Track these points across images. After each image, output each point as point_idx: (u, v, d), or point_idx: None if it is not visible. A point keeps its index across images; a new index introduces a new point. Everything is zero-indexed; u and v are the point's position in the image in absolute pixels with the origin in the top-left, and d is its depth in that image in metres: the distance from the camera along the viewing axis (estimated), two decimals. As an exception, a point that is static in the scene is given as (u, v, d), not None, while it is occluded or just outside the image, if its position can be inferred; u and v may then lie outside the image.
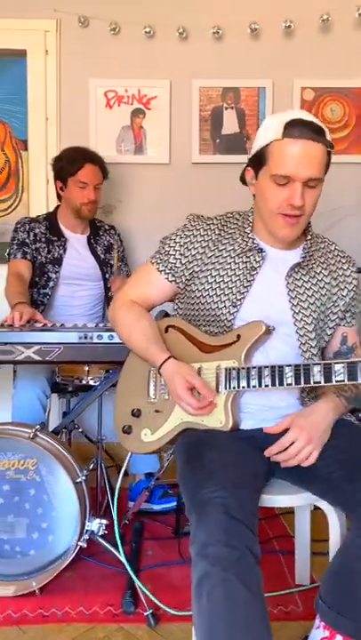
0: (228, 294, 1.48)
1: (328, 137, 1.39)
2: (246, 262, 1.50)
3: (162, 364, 1.46)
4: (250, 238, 1.51)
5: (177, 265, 1.54)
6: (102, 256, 2.54)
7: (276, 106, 2.87)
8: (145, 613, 1.66)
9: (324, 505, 1.44)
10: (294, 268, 1.50)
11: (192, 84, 2.87)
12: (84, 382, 2.08)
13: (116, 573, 1.87)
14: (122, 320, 1.58)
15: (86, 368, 2.03)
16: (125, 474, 2.62)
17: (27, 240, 2.39)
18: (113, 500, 1.71)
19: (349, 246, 2.54)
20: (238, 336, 1.44)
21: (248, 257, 1.50)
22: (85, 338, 1.69)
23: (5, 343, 1.67)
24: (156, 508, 2.30)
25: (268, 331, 1.43)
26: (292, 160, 1.35)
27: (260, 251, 1.50)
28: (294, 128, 1.34)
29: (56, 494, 1.79)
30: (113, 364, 1.80)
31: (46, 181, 2.91)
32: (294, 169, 1.35)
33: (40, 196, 2.91)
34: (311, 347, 1.48)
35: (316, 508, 1.48)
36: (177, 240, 1.55)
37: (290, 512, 2.22)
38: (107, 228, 2.64)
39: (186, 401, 1.40)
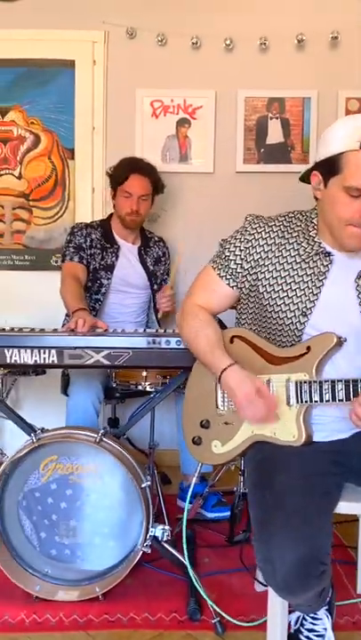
0: (296, 303, 1.44)
1: None
2: (313, 267, 1.45)
3: (225, 370, 1.43)
4: (315, 242, 1.46)
5: (238, 270, 1.51)
6: (151, 267, 2.56)
7: (321, 116, 2.89)
8: (212, 621, 1.65)
9: None
10: None
11: (237, 93, 2.90)
12: (140, 388, 2.08)
13: (175, 580, 1.86)
14: (187, 327, 1.56)
15: (144, 374, 2.03)
16: (168, 480, 2.68)
17: (83, 245, 2.42)
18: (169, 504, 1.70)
19: None
20: (308, 348, 1.40)
21: (315, 261, 1.45)
22: (154, 343, 1.69)
23: (76, 347, 1.68)
24: (209, 515, 2.29)
25: (340, 342, 1.39)
26: None
27: (328, 254, 1.45)
28: None
29: (119, 499, 1.79)
30: (178, 369, 1.80)
31: (92, 190, 2.95)
32: None
33: (86, 204, 2.95)
34: None
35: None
36: (237, 244, 1.51)
37: (342, 522, 2.21)
38: (156, 239, 2.66)
39: (256, 405, 1.38)
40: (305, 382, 1.39)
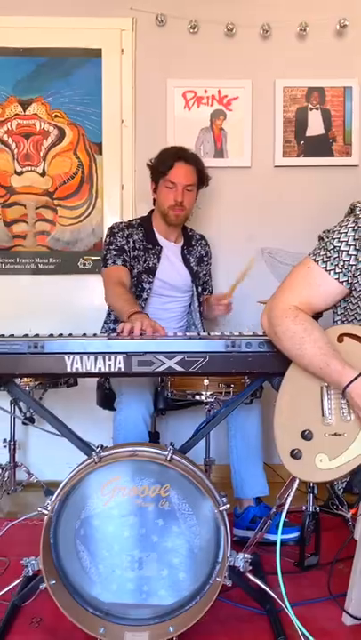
0: None
1: None
2: None
3: (351, 383, 1.26)
4: None
5: (350, 262, 1.35)
6: (195, 268, 2.37)
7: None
8: None
9: None
10: None
11: (275, 83, 2.74)
12: (197, 398, 1.88)
13: (254, 615, 1.65)
14: (287, 332, 1.38)
15: (206, 382, 1.83)
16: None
17: (125, 246, 2.21)
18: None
19: None
20: None
21: None
22: (233, 346, 1.49)
23: (145, 352, 1.47)
24: (274, 538, 2.07)
25: None
26: None
27: None
28: None
29: (189, 525, 1.57)
30: (262, 375, 1.60)
31: (121, 187, 2.76)
32: None
33: (115, 202, 2.76)
34: None
35: None
36: (349, 233, 1.36)
37: None
38: (198, 237, 2.47)
39: None
40: None
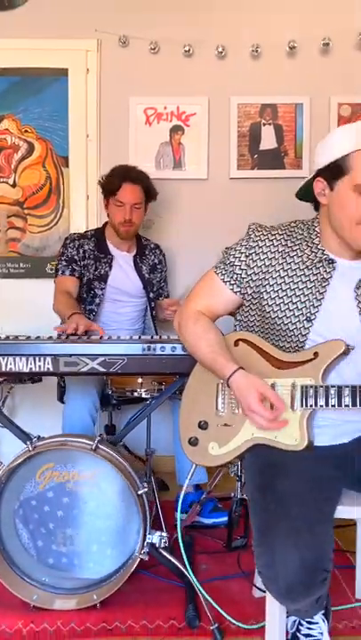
0: (301, 308, 1.46)
1: None
2: (317, 274, 1.48)
3: (231, 376, 1.45)
4: (319, 249, 1.49)
5: (242, 276, 1.54)
6: (147, 275, 2.56)
7: (314, 122, 2.91)
8: (211, 627, 1.64)
9: None
10: None
11: (230, 100, 2.92)
12: (136, 395, 2.08)
13: (174, 587, 1.86)
14: (188, 332, 1.58)
15: (140, 380, 2.03)
16: (165, 487, 2.68)
17: (75, 257, 2.41)
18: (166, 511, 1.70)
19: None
20: (316, 354, 1.42)
21: (318, 268, 1.48)
22: (149, 349, 1.69)
23: (71, 355, 1.68)
24: (207, 521, 2.28)
25: (348, 350, 1.41)
26: None
27: (331, 262, 1.48)
28: None
29: (116, 506, 1.78)
30: (174, 375, 1.80)
31: (86, 197, 2.95)
32: None
33: (80, 212, 2.96)
34: None
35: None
36: (242, 250, 1.54)
37: (340, 526, 2.20)
38: (152, 246, 2.66)
39: (260, 413, 1.39)
40: (311, 387, 1.40)
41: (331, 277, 1.47)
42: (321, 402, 1.38)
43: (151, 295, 2.58)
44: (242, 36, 2.86)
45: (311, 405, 1.39)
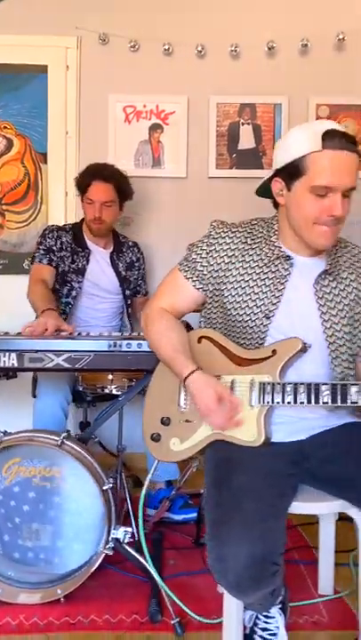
0: (260, 305, 1.48)
1: (358, 145, 1.40)
2: (275, 271, 1.49)
3: (188, 376, 1.45)
4: (276, 247, 1.50)
5: (204, 272, 1.54)
6: (124, 273, 2.57)
7: (292, 122, 2.92)
8: (172, 622, 1.66)
9: (354, 512, 1.44)
10: (321, 275, 1.49)
11: (209, 99, 2.93)
12: (106, 391, 2.10)
13: (139, 582, 1.87)
14: (151, 329, 1.59)
15: (110, 377, 2.04)
16: (140, 483, 2.69)
17: (53, 247, 2.42)
18: (137, 507, 1.72)
19: None
20: (274, 351, 1.44)
21: (276, 265, 1.49)
22: (115, 346, 1.70)
23: (36, 351, 1.69)
24: (177, 518, 2.30)
25: (305, 348, 1.43)
26: (334, 171, 1.35)
27: (288, 258, 1.49)
28: (333, 139, 1.35)
29: (82, 502, 1.80)
30: (141, 372, 1.81)
31: (65, 194, 2.96)
32: (336, 180, 1.35)
33: (59, 208, 2.96)
34: (341, 353, 1.49)
35: (339, 519, 1.48)
36: (203, 247, 1.55)
37: (307, 523, 2.23)
38: (130, 244, 2.66)
39: (218, 413, 1.40)
40: (268, 384, 1.42)
41: (289, 274, 1.49)
42: (278, 399, 1.39)
43: (127, 293, 2.59)
44: (221, 36, 2.88)
45: (268, 402, 1.41)
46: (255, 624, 1.57)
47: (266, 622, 1.56)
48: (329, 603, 1.81)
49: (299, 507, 1.40)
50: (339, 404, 1.35)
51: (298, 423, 1.48)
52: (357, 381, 1.37)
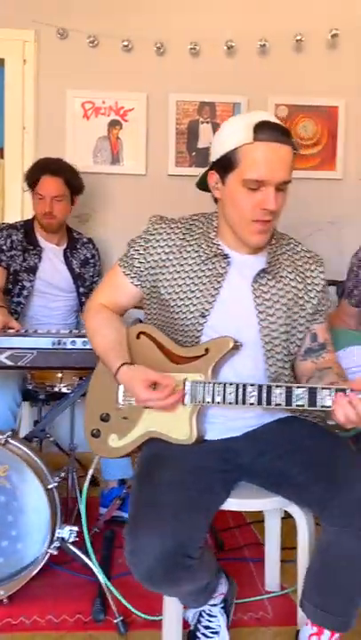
0: (195, 304, 1.46)
1: (292, 138, 1.39)
2: (212, 269, 1.47)
3: (117, 371, 1.44)
4: (214, 244, 1.47)
5: (141, 269, 1.51)
6: (77, 270, 2.54)
7: None
8: (115, 620, 1.65)
9: (293, 508, 1.46)
10: (260, 273, 1.47)
11: (169, 97, 2.93)
12: (56, 389, 2.07)
13: (87, 582, 1.86)
14: (88, 326, 1.57)
15: (59, 375, 2.02)
16: (97, 483, 2.67)
17: (3, 247, 2.38)
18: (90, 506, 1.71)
19: (320, 259, 2.59)
20: (207, 350, 1.42)
21: (213, 263, 1.47)
22: (59, 344, 1.69)
23: (-22, 348, 1.66)
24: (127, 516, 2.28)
25: (237, 347, 1.42)
26: (266, 164, 1.32)
27: (225, 257, 1.46)
28: (264, 130, 1.32)
29: (26, 501, 1.77)
30: (86, 370, 1.79)
31: (22, 190, 2.90)
32: (268, 173, 1.32)
33: (15, 204, 2.93)
34: (276, 353, 1.48)
35: (286, 517, 1.50)
36: (141, 243, 1.52)
37: (260, 521, 2.24)
38: (85, 241, 2.63)
39: (150, 398, 1.37)
40: (200, 383, 1.41)
41: (226, 273, 1.47)
42: (208, 398, 1.38)
43: (82, 290, 2.56)
44: (181, 34, 2.88)
45: (199, 401, 1.40)
46: (199, 621, 1.58)
47: (209, 621, 1.56)
48: (275, 599, 1.83)
49: (233, 503, 1.41)
50: (264, 406, 1.33)
51: (233, 422, 1.48)
52: (283, 383, 1.35)
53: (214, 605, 1.57)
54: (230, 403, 1.36)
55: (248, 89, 2.94)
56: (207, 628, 1.55)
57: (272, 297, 1.48)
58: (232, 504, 1.41)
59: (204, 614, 1.57)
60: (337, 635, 1.37)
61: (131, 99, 2.92)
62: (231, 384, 1.36)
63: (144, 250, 1.51)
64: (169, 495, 1.27)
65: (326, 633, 1.36)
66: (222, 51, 2.90)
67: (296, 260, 1.54)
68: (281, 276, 1.50)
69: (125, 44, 2.85)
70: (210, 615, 1.56)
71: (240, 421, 1.48)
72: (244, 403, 1.34)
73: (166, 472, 1.33)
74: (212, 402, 1.38)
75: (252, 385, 1.34)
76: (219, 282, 1.47)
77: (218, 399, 1.37)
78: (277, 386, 1.31)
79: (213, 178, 1.44)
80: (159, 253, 1.50)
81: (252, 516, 2.34)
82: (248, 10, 2.88)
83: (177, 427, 1.42)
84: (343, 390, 1.25)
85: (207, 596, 1.46)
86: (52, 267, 2.49)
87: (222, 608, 1.57)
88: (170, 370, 1.45)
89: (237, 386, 1.35)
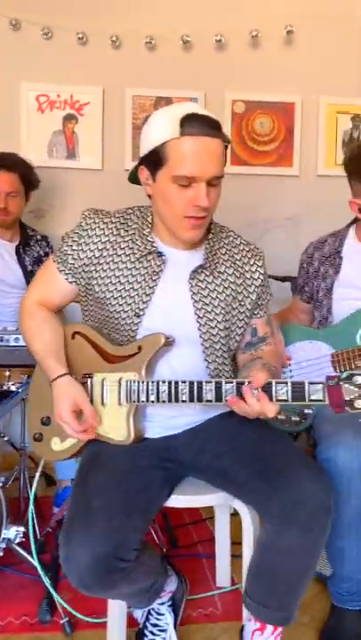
0: (130, 303, 1.42)
1: (223, 130, 1.32)
2: (147, 267, 1.42)
3: (53, 381, 1.41)
4: (149, 241, 1.42)
5: (75, 265, 1.46)
6: (30, 267, 2.49)
7: None
8: (61, 621, 1.63)
9: (237, 504, 1.46)
10: (197, 270, 1.44)
11: (125, 91, 2.89)
12: (5, 388, 2.03)
13: (34, 582, 1.82)
14: (24, 328, 1.53)
15: (7, 373, 1.98)
16: (53, 482, 2.63)
17: None
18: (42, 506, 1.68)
19: (277, 257, 2.63)
20: (140, 347, 1.40)
21: (148, 261, 1.42)
22: (2, 341, 1.65)
23: None
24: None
25: (168, 342, 1.39)
26: (195, 159, 1.27)
27: (160, 254, 1.42)
28: (192, 124, 1.26)
29: (-28, 502, 1.74)
30: (32, 367, 1.76)
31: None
32: (198, 169, 1.28)
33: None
34: (216, 350, 1.46)
35: (237, 512, 1.49)
36: (74, 238, 1.46)
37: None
38: (39, 238, 2.59)
39: (69, 424, 1.37)
40: (134, 382, 1.38)
41: (162, 271, 1.43)
42: (143, 397, 1.36)
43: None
44: (137, 28, 2.84)
45: (135, 401, 1.38)
46: (147, 619, 1.57)
47: (157, 619, 1.56)
48: (225, 595, 1.83)
49: (176, 500, 1.41)
50: (196, 402, 1.31)
51: (174, 419, 1.46)
52: (213, 379, 1.33)
53: (162, 604, 1.56)
54: (164, 401, 1.34)
55: (205, 84, 2.92)
56: (155, 625, 1.54)
57: (210, 293, 1.45)
58: (175, 501, 1.40)
59: (152, 612, 1.56)
60: (280, 629, 1.38)
61: (86, 92, 2.87)
62: (164, 382, 1.34)
63: (77, 246, 1.46)
64: (101, 498, 1.25)
65: (269, 628, 1.36)
66: (179, 45, 2.88)
67: (235, 254, 1.51)
68: (219, 272, 1.47)
69: (80, 36, 2.81)
70: (158, 613, 1.55)
71: (182, 418, 1.47)
72: (177, 400, 1.32)
73: (100, 474, 1.32)
74: (147, 400, 1.36)
75: (183, 382, 1.32)
76: (154, 280, 1.43)
77: (152, 397, 1.34)
78: (207, 382, 1.30)
79: (144, 174, 1.39)
80: (92, 250, 1.45)
81: (208, 512, 2.34)
82: (204, 5, 2.86)
83: (115, 427, 1.40)
84: (242, 383, 1.25)
85: (152, 596, 1.45)
86: (4, 263, 2.44)
87: (170, 606, 1.56)
88: (105, 369, 1.43)
89: (170, 383, 1.33)
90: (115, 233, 1.45)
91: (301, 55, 2.95)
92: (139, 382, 1.37)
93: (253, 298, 1.50)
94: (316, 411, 1.82)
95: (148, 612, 1.57)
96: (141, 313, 1.42)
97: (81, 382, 1.45)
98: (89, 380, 1.46)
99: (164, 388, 1.34)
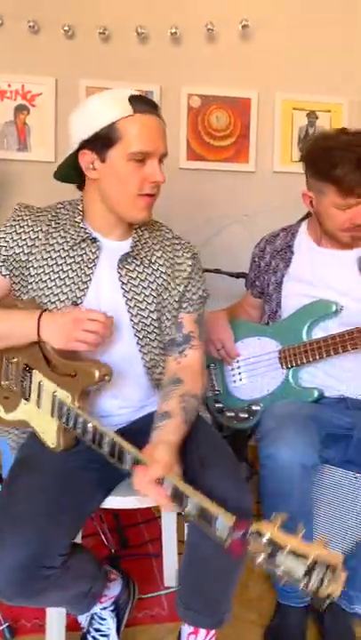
0: (66, 292, 1.39)
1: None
2: (82, 254, 1.41)
3: (39, 330, 1.32)
4: (81, 228, 1.42)
5: (7, 255, 1.43)
6: None
7: (164, 111, 2.72)
8: (0, 627, 1.58)
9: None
10: (125, 259, 1.43)
11: (79, 83, 2.83)
12: None
13: None
14: None
15: None
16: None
17: None
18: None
19: (234, 252, 2.63)
20: (75, 373, 1.32)
21: (83, 248, 1.41)
22: None
23: None
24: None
25: (102, 378, 1.29)
26: (150, 135, 1.31)
27: (94, 240, 1.42)
28: (139, 103, 1.31)
29: None
30: None
31: None
32: (153, 143, 1.32)
33: None
34: (151, 340, 1.45)
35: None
36: (6, 231, 1.43)
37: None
38: None
39: (94, 312, 1.30)
40: (64, 405, 1.31)
41: (97, 258, 1.42)
42: (70, 423, 1.29)
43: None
44: (90, 17, 2.78)
45: (63, 423, 1.31)
46: (90, 624, 1.54)
47: (100, 623, 1.53)
48: (172, 595, 1.81)
49: (111, 501, 1.38)
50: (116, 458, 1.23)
51: (103, 419, 1.44)
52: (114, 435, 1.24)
53: (104, 609, 1.53)
54: (89, 440, 1.26)
55: (160, 77, 2.88)
56: (97, 630, 1.51)
57: (141, 282, 1.44)
58: (110, 502, 1.36)
59: (95, 617, 1.53)
60: (213, 631, 1.36)
61: (39, 83, 2.80)
62: (91, 425, 1.25)
63: (10, 238, 1.43)
64: (26, 503, 1.20)
65: (202, 631, 1.34)
66: (133, 37, 2.83)
67: (166, 245, 1.52)
68: (150, 261, 1.47)
69: (31, 24, 2.74)
70: (100, 618, 1.52)
71: (113, 418, 1.45)
72: (100, 447, 1.24)
73: (27, 478, 1.27)
74: (74, 429, 1.29)
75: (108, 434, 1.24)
76: (90, 267, 1.41)
77: (78, 430, 1.28)
78: (128, 452, 1.20)
79: (87, 158, 1.37)
80: (24, 240, 1.42)
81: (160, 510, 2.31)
82: (158, -4, 2.82)
83: (46, 432, 1.36)
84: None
85: (90, 601, 1.41)
86: None
87: (112, 611, 1.53)
88: (45, 372, 1.38)
89: (95, 430, 1.25)
90: (47, 224, 1.44)
91: (257, 50, 2.94)
92: (69, 407, 1.30)
93: (180, 290, 1.48)
94: (263, 407, 1.81)
95: (92, 617, 1.53)
96: (79, 301, 1.40)
97: (22, 375, 1.42)
98: (29, 374, 1.41)
99: (89, 427, 1.26)
